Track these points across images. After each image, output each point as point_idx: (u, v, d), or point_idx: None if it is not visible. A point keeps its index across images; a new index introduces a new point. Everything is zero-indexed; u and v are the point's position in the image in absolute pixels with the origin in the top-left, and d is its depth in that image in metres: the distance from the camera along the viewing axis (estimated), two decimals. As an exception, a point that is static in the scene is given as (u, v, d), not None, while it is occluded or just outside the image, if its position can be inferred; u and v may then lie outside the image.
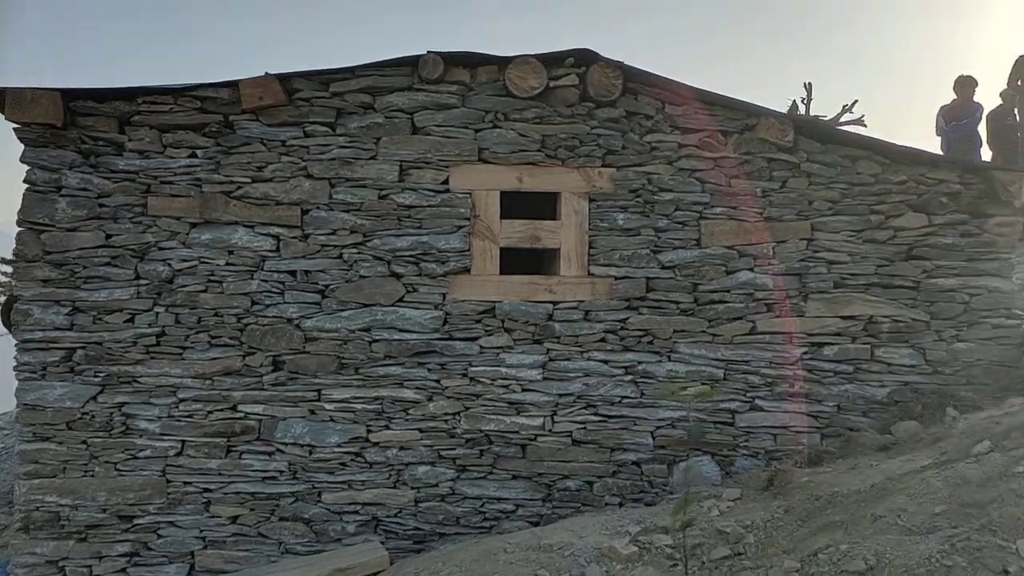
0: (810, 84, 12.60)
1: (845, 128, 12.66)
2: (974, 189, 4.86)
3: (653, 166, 4.83)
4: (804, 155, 4.86)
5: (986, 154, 10.94)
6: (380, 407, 4.70)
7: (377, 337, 4.69)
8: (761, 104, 4.91)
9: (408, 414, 4.71)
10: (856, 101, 12.47)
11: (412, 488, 4.72)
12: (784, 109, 13.04)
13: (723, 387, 4.84)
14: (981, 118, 10.78)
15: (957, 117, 10.70)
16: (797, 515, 3.62)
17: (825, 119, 13.27)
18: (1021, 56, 10.10)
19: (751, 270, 4.86)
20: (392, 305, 4.69)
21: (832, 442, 4.69)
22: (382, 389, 4.69)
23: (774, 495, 3.99)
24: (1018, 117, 10.27)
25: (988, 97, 12.60)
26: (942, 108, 10.89)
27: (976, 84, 10.51)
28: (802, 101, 13.67)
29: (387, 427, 4.71)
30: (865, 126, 13.01)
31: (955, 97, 10.84)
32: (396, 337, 4.69)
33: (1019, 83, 10.12)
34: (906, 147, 4.86)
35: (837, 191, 4.86)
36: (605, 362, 4.80)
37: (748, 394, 4.87)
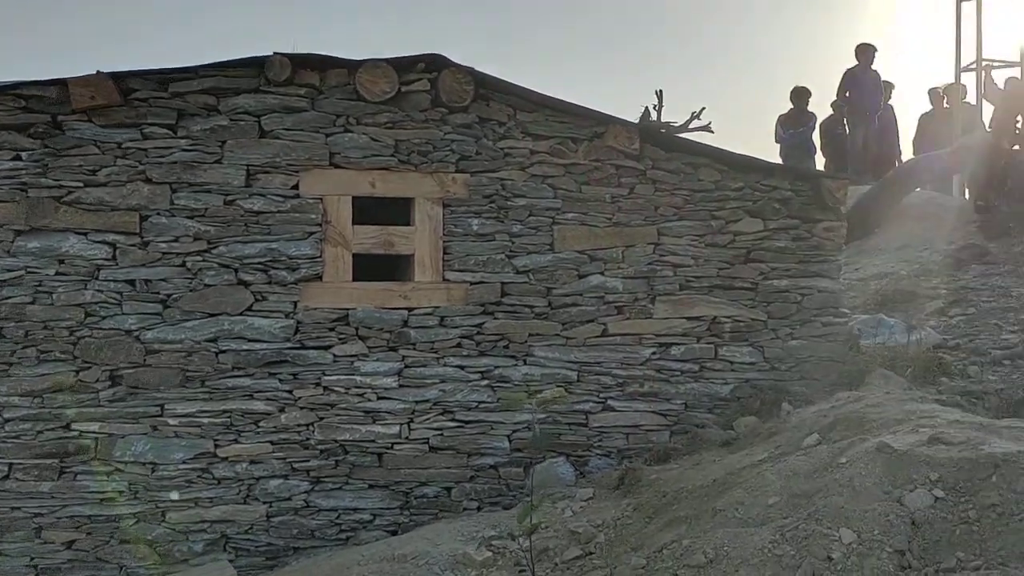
0: (661, 91, 13.06)
1: (694, 134, 13.22)
2: (804, 195, 5.17)
3: (506, 172, 4.88)
4: (650, 162, 5.03)
5: (820, 162, 11.71)
6: (229, 420, 4.52)
7: (225, 348, 4.51)
8: (612, 111, 5.05)
9: (259, 427, 4.56)
10: (704, 108, 13.00)
11: (264, 503, 4.57)
12: (637, 114, 13.45)
13: (577, 389, 4.94)
14: (815, 127, 11.58)
15: (794, 126, 11.45)
16: (645, 512, 3.75)
17: (675, 125, 13.79)
18: (848, 70, 10.87)
19: (602, 274, 4.99)
20: (240, 314, 4.53)
21: (680, 439, 4.87)
22: (230, 402, 4.52)
23: (624, 494, 4.12)
24: (847, 128, 11.06)
25: (822, 107, 13.39)
26: (780, 117, 11.63)
27: (810, 94, 11.29)
28: (654, 107, 14.12)
29: (236, 441, 4.53)
30: (712, 132, 13.59)
31: (792, 107, 11.58)
32: (245, 347, 4.53)
33: (846, 95, 10.89)
34: (742, 155, 5.13)
35: (681, 197, 5.06)
36: (461, 367, 4.81)
37: (601, 395, 4.99)
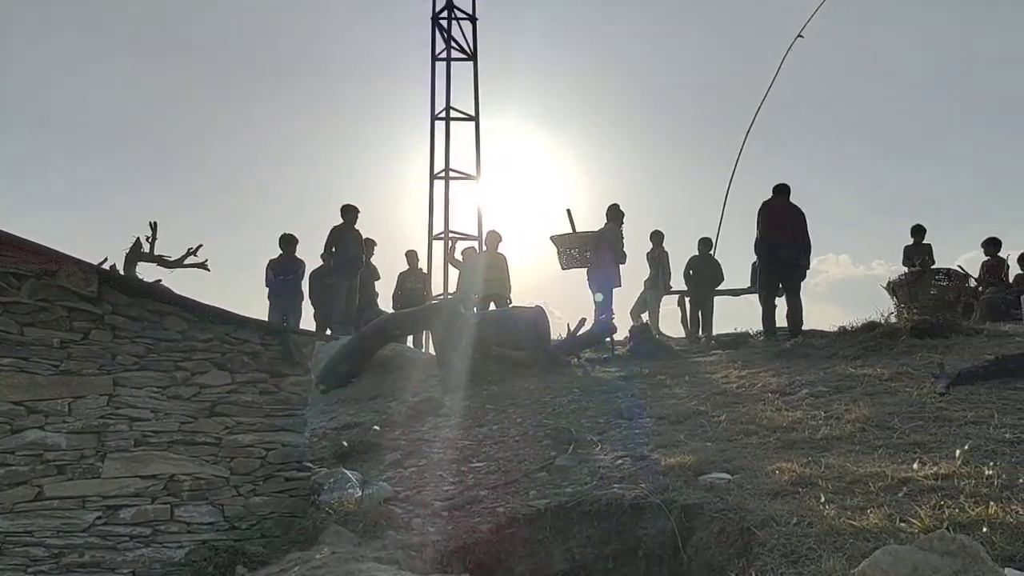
0: (155, 223, 12.51)
1: (189, 271, 12.78)
2: (273, 349, 5.24)
3: (-77, 306, 4.14)
4: (109, 307, 4.70)
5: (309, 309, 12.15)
6: None
7: None
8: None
9: None
10: (201, 245, 12.74)
11: None
12: (127, 245, 12.66)
13: (-3, 565, 4.22)
14: (304, 274, 12.06)
15: (283, 271, 11.81)
16: None
17: (170, 259, 13.23)
18: (333, 227, 11.62)
19: (42, 428, 4.44)
20: None
21: (120, 614, 4.40)
22: None
23: None
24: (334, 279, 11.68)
25: (312, 256, 13.96)
26: (270, 262, 11.92)
27: (297, 241, 11.87)
28: (147, 239, 13.43)
29: None
30: (208, 270, 13.31)
31: (282, 252, 12.00)
32: None
33: (332, 250, 11.60)
34: (213, 306, 5.04)
35: (143, 346, 4.78)
36: None
37: (30, 569, 4.33)
